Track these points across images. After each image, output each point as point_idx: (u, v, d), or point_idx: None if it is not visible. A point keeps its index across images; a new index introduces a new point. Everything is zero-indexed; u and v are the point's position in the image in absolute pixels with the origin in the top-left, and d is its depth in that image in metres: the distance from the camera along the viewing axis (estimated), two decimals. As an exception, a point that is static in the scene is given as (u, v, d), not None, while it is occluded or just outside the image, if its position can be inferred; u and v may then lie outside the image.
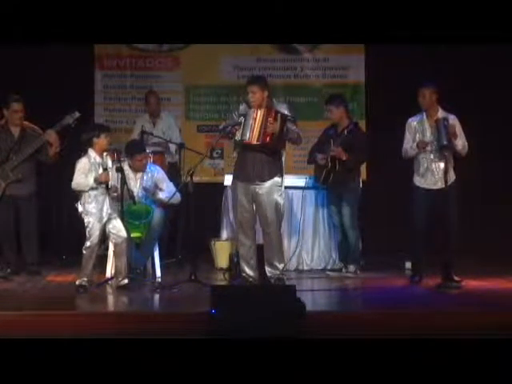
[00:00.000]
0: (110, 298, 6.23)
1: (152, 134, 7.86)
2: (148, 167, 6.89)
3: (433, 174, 6.65)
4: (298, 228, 7.43)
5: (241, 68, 9.10)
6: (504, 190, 8.47)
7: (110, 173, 6.29)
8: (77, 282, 6.22)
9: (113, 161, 6.37)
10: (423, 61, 8.35)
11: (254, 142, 6.26)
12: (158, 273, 6.81)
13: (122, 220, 6.31)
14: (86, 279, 6.21)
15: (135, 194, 6.65)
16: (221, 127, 6.65)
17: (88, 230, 6.20)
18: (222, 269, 7.45)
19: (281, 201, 6.47)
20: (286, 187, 6.72)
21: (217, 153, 9.06)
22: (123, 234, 6.26)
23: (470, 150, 6.67)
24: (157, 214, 6.74)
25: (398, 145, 6.84)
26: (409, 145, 6.75)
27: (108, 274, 6.57)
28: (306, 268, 7.62)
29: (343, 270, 7.29)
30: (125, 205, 6.37)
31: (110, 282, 6.42)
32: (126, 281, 6.28)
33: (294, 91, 9.11)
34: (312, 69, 9.17)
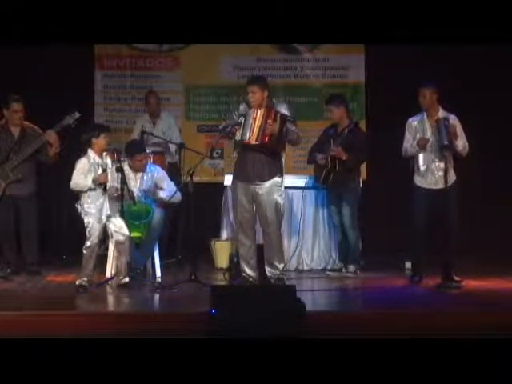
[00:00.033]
0: (110, 298, 6.23)
1: (152, 134, 7.86)
2: (148, 167, 6.89)
3: (433, 174, 6.65)
4: (298, 228, 7.43)
5: (241, 68, 9.10)
6: (504, 190, 8.47)
7: (109, 173, 6.30)
8: (77, 282, 6.23)
9: (112, 161, 6.37)
10: (423, 61, 8.35)
11: (253, 142, 6.26)
12: (158, 273, 6.81)
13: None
14: (85, 279, 6.21)
15: (135, 194, 6.65)
16: (221, 127, 6.65)
17: (88, 230, 6.21)
18: (222, 269, 7.46)
19: (281, 201, 6.47)
20: (286, 187, 6.72)
21: (217, 153, 9.06)
22: (125, 231, 6.28)
23: (470, 150, 6.67)
24: (157, 214, 6.74)
25: (397, 145, 6.84)
26: (409, 143, 6.74)
27: (108, 273, 6.57)
28: (306, 268, 7.62)
29: (343, 269, 7.29)
30: (125, 205, 6.37)
31: (110, 281, 6.42)
32: (126, 279, 6.29)
33: (294, 91, 9.11)
34: (312, 69, 9.17)
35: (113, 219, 6.29)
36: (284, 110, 6.41)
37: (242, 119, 6.31)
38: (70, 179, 6.26)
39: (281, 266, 6.51)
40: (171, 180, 7.00)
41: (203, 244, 7.54)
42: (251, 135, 6.24)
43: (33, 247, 7.15)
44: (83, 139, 6.34)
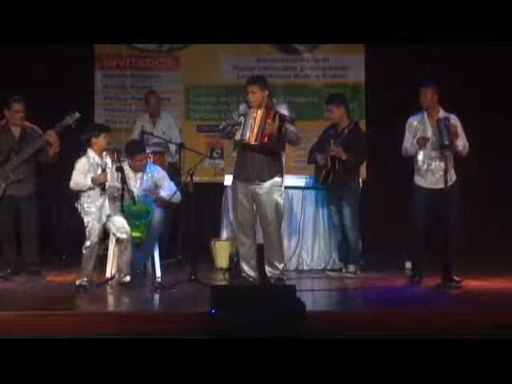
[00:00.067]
0: (110, 298, 6.23)
1: (152, 134, 7.86)
2: (148, 167, 6.90)
3: (433, 174, 6.65)
4: (298, 228, 7.43)
5: (241, 68, 9.10)
6: (504, 190, 8.47)
7: (109, 173, 6.31)
8: (77, 282, 6.23)
9: (112, 161, 6.38)
10: (423, 61, 8.35)
11: (253, 141, 6.26)
12: (158, 273, 6.81)
13: (122, 220, 6.33)
14: (85, 279, 6.21)
15: (135, 194, 6.65)
16: (221, 127, 6.64)
17: (88, 229, 6.21)
18: (222, 269, 7.46)
19: (281, 201, 6.47)
20: (286, 187, 6.71)
21: (217, 153, 9.06)
22: (127, 228, 6.28)
23: (471, 150, 6.66)
24: (157, 214, 6.74)
25: (397, 144, 6.83)
26: (409, 142, 6.74)
27: (108, 273, 6.57)
28: (306, 268, 7.62)
29: (343, 269, 7.29)
30: (125, 205, 6.37)
31: (110, 281, 6.42)
32: (128, 278, 6.31)
33: (294, 91, 9.11)
34: (312, 69, 9.17)
35: (113, 218, 6.29)
36: (284, 110, 6.41)
37: (242, 119, 6.31)
38: (69, 179, 6.26)
39: (281, 266, 6.51)
40: (171, 180, 7.00)
41: (203, 244, 7.54)
42: (251, 135, 6.24)
43: (33, 247, 7.15)
44: (83, 139, 6.34)
